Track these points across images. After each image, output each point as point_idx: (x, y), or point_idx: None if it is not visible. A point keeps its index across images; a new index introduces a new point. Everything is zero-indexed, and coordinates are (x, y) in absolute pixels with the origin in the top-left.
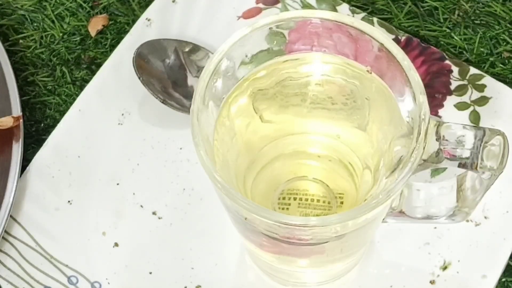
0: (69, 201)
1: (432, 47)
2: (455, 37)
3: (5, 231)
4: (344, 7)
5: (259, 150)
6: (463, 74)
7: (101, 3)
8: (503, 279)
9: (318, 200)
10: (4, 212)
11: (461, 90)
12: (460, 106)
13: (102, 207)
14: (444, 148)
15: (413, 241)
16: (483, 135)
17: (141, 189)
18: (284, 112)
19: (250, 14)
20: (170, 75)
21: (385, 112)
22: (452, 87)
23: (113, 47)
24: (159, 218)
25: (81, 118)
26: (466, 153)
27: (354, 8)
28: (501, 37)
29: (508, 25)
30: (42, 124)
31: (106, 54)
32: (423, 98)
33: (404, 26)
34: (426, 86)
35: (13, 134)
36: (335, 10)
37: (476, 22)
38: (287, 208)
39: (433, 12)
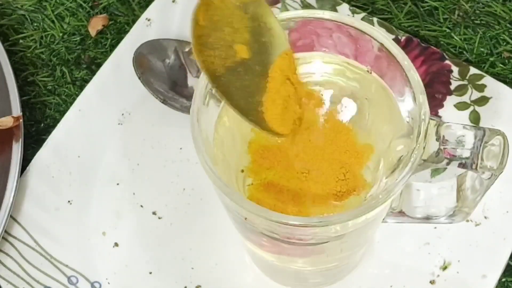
0: (69, 201)
1: (432, 47)
2: (455, 37)
3: (5, 231)
4: (344, 7)
5: None
6: (463, 74)
7: (101, 3)
8: (503, 279)
9: None
10: (4, 212)
11: (461, 90)
12: (460, 106)
13: (102, 207)
14: (444, 148)
15: (413, 241)
16: (483, 135)
17: (141, 189)
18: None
19: None
20: (170, 75)
21: (385, 112)
22: (452, 87)
23: (113, 47)
24: (159, 218)
25: (81, 118)
26: (466, 153)
27: (354, 8)
28: (501, 37)
29: (508, 25)
30: (42, 124)
31: (106, 54)
32: (423, 98)
33: (404, 26)
34: (426, 86)
35: (13, 134)
36: (335, 10)
37: (476, 22)
38: None
39: (433, 12)
